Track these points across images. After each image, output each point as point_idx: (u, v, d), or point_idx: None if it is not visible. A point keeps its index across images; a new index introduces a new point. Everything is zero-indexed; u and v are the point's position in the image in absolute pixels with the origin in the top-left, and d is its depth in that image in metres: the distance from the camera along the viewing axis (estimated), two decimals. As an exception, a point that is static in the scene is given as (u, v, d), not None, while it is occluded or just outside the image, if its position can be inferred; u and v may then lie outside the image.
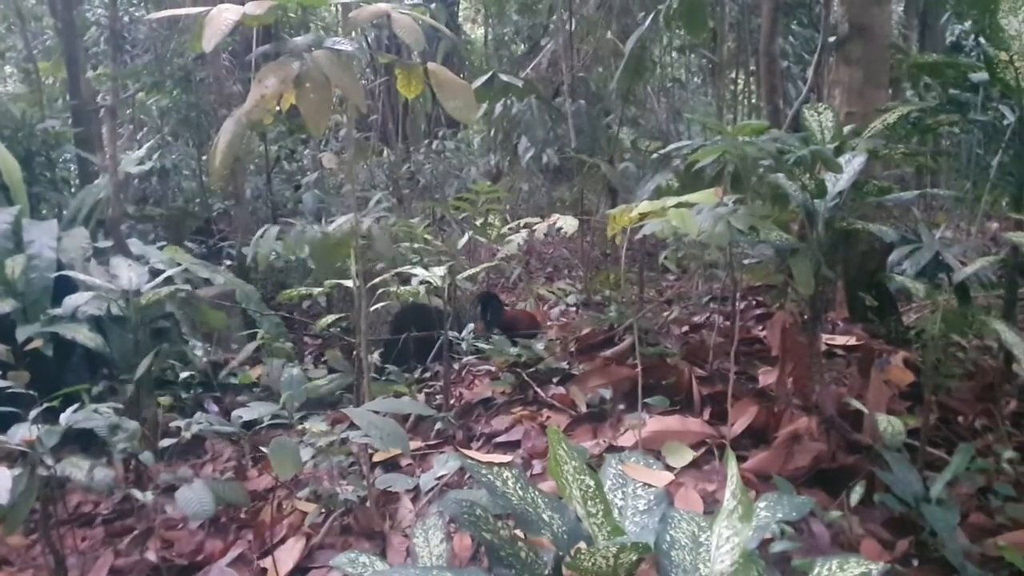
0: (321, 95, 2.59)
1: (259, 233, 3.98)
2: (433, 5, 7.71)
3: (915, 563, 2.49)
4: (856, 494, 2.59)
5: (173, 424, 3.19)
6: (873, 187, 3.37)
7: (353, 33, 3.02)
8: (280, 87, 2.55)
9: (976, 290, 3.93)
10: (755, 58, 7.35)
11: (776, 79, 4.88)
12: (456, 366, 4.32)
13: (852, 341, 3.87)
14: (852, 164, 2.96)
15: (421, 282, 3.78)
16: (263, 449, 3.46)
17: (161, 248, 5.41)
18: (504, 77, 4.89)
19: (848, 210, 3.25)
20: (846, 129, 3.28)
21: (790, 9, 8.11)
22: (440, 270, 3.73)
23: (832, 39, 4.50)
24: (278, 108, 2.67)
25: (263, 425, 3.22)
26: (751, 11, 7.47)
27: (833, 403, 3.04)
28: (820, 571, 1.72)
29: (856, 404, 2.95)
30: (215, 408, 4.14)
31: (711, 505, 2.67)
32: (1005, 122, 3.70)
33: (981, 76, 3.59)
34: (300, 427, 3.04)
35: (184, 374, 4.00)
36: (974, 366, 3.84)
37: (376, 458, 3.33)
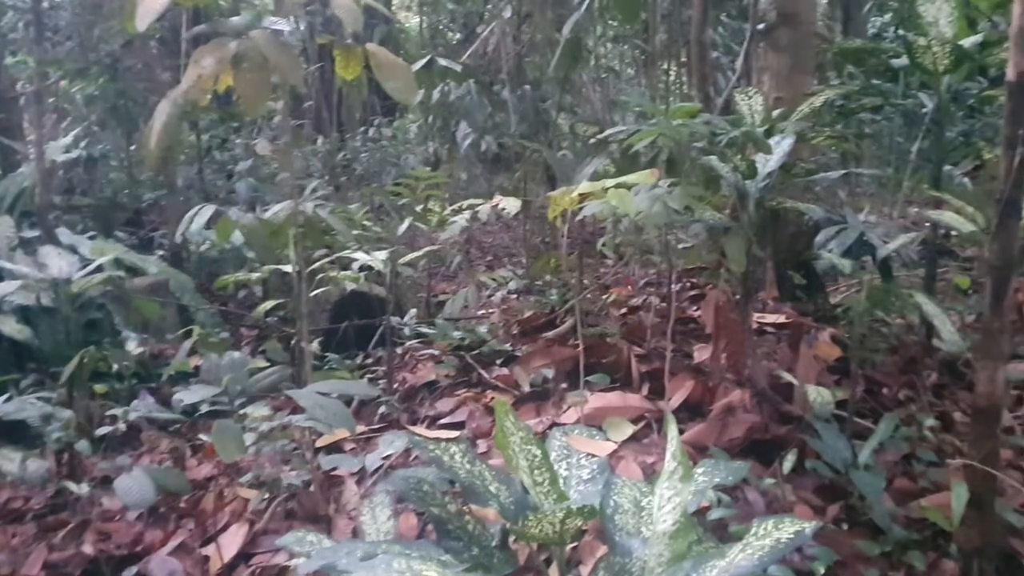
0: (259, 76, 2.58)
1: (191, 212, 3.92)
2: (368, -9, 7.65)
3: (844, 526, 2.61)
4: (788, 462, 2.70)
5: (108, 413, 3.14)
6: (801, 169, 3.49)
7: (290, 19, 3.00)
8: (217, 67, 2.54)
9: (898, 269, 4.09)
10: (686, 48, 7.49)
11: (707, 69, 5.00)
12: (399, 351, 4.33)
13: (782, 319, 4.00)
14: (781, 146, 3.06)
15: (361, 268, 3.78)
16: (203, 437, 3.44)
17: (91, 239, 5.30)
18: (443, 62, 4.91)
19: (777, 191, 3.36)
20: (775, 113, 3.39)
21: (719, 0, 8.27)
22: (381, 256, 3.74)
23: (761, 26, 4.62)
24: (214, 90, 2.66)
25: (202, 413, 3.19)
26: (682, 2, 7.60)
27: (765, 377, 3.16)
28: (756, 531, 1.80)
29: (787, 377, 3.07)
30: (150, 398, 4.08)
31: (650, 476, 2.74)
32: (924, 108, 3.85)
33: (901, 62, 3.74)
34: (241, 413, 3.03)
35: (118, 365, 3.93)
36: (897, 341, 4.00)
37: (319, 443, 3.33)
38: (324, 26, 8.61)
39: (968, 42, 3.37)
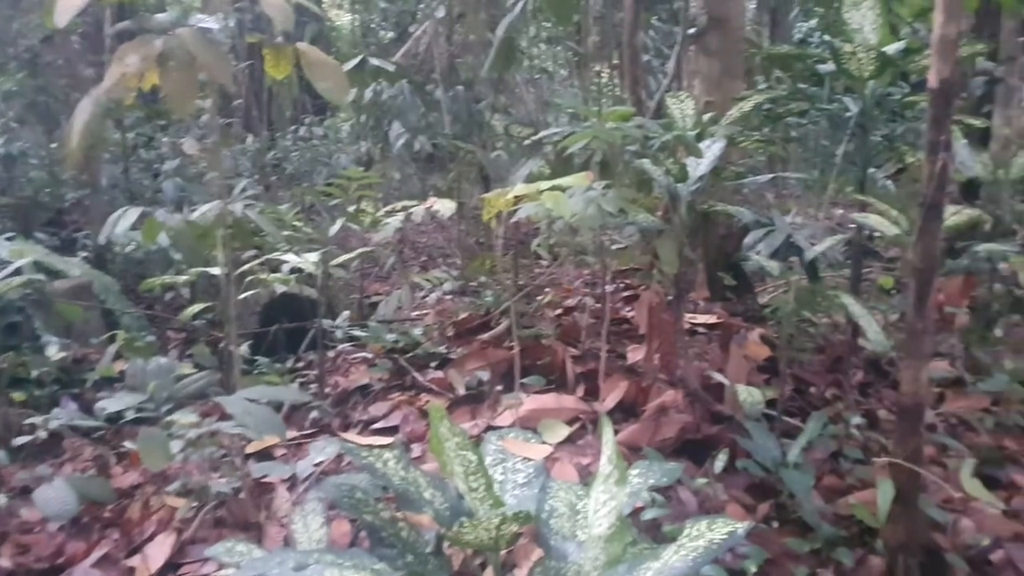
0: (186, 75, 2.51)
1: (116, 213, 3.80)
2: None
3: (775, 524, 2.66)
4: (720, 462, 2.73)
5: (28, 421, 3.03)
6: (731, 172, 3.55)
7: (219, 17, 2.93)
8: (142, 65, 2.46)
9: (824, 269, 4.19)
10: (619, 51, 7.55)
11: (639, 71, 5.04)
12: (331, 354, 4.27)
13: (713, 319, 4.06)
14: (712, 149, 3.11)
15: (292, 270, 3.72)
16: (128, 445, 3.34)
17: (10, 240, 5.10)
18: (375, 61, 4.85)
19: (708, 194, 3.41)
20: (705, 117, 3.44)
21: (651, 3, 8.36)
22: (312, 257, 3.68)
23: (692, 30, 4.68)
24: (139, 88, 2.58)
25: (127, 420, 3.10)
26: (614, 5, 7.66)
27: (697, 377, 3.20)
28: (690, 532, 1.81)
29: (718, 377, 3.11)
30: (73, 405, 3.95)
31: (585, 478, 2.75)
32: (848, 112, 3.95)
33: (827, 68, 3.82)
34: (168, 420, 2.95)
35: (38, 371, 3.80)
36: (824, 340, 4.10)
37: (249, 449, 3.26)
38: (254, 23, 8.46)
39: (891, 49, 3.45)
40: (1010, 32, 6.30)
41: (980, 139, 5.58)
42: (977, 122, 4.01)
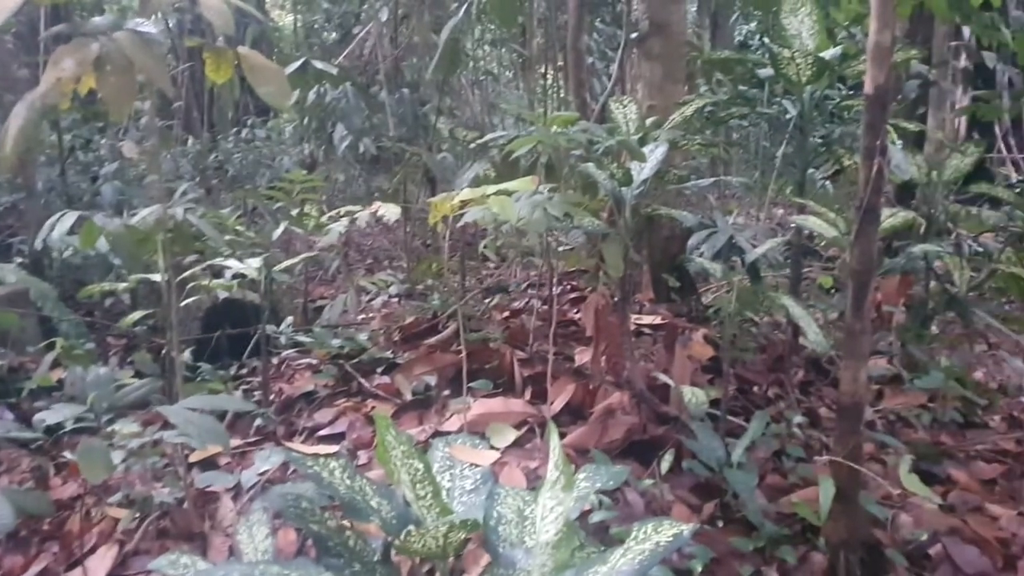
0: (124, 79, 2.45)
1: (53, 218, 3.70)
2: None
3: (720, 524, 2.69)
4: (666, 463, 2.77)
5: (-40, 434, 2.94)
6: (673, 176, 3.59)
7: (154, 16, 2.88)
8: (78, 70, 2.40)
9: (765, 269, 4.26)
10: (563, 53, 7.59)
11: (583, 74, 5.07)
12: (275, 361, 4.22)
13: (658, 320, 4.11)
14: (655, 154, 3.14)
15: (235, 275, 3.67)
16: (67, 455, 3.26)
17: (-61, 246, 4.95)
18: (318, 64, 4.80)
19: (652, 197, 3.44)
20: (648, 121, 3.47)
21: (594, 7, 8.42)
22: (255, 262, 3.63)
23: (634, 35, 4.72)
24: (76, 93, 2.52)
25: (66, 430, 3.03)
26: (558, 7, 7.70)
27: (643, 378, 3.23)
28: (637, 534, 1.83)
29: (663, 378, 3.14)
30: (9, 415, 3.85)
31: (534, 482, 2.76)
32: (788, 116, 4.02)
33: (767, 72, 3.88)
34: (109, 430, 2.89)
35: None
36: (766, 340, 4.17)
37: (193, 458, 3.21)
38: (194, 24, 8.33)
39: (829, 54, 3.53)
40: (942, 37, 6.48)
41: (914, 141, 5.73)
42: (911, 126, 4.12)
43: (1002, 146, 9.65)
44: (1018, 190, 6.41)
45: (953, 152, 3.92)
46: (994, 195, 4.32)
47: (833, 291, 5.52)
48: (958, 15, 4.69)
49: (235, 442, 3.37)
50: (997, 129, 9.59)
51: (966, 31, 6.77)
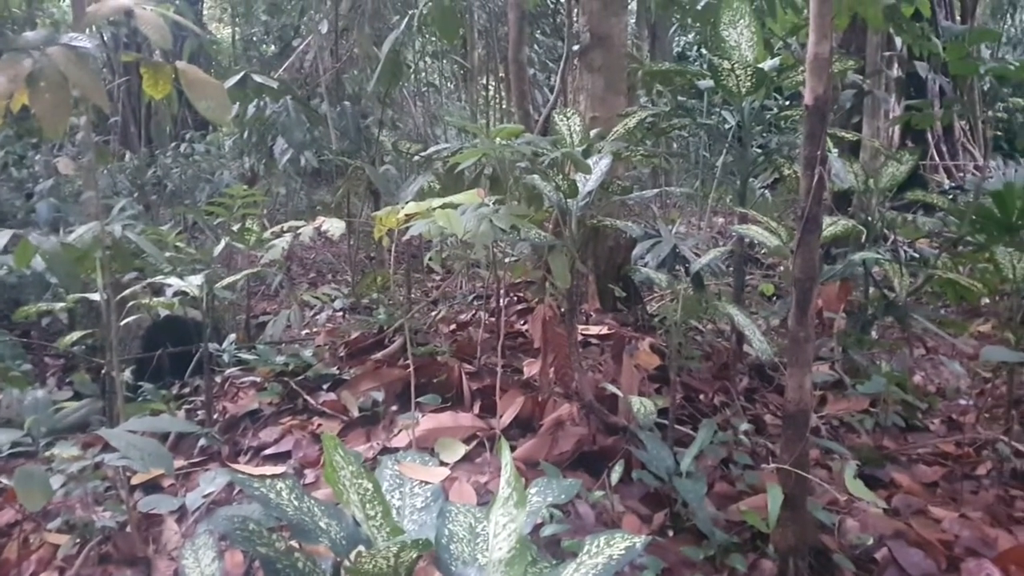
0: (58, 95, 2.39)
1: None
2: (178, 2, 7.31)
3: (670, 533, 2.70)
4: (616, 473, 2.77)
5: None
6: (617, 187, 3.61)
7: (89, 30, 2.81)
8: (10, 86, 2.33)
9: (709, 279, 4.31)
10: (504, 65, 7.62)
11: (525, 85, 5.09)
12: (218, 379, 4.13)
13: (604, 330, 4.12)
14: (600, 165, 3.16)
15: (175, 293, 3.59)
16: (4, 481, 3.15)
17: None
18: (258, 78, 4.74)
19: (596, 208, 3.46)
20: (592, 133, 3.49)
21: (535, 19, 8.47)
22: (196, 279, 3.55)
23: (575, 47, 4.75)
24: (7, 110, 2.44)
25: (3, 455, 2.93)
26: (499, 19, 7.72)
27: (591, 389, 3.23)
28: (589, 548, 1.83)
29: (612, 388, 3.15)
30: (-61, 442, 3.70)
31: (484, 496, 2.75)
32: (727, 126, 4.08)
33: (707, 83, 3.94)
34: (47, 454, 2.80)
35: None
36: (711, 348, 4.21)
37: (135, 480, 3.13)
38: (130, 38, 8.16)
39: (767, 65, 3.59)
40: (876, 47, 6.65)
41: (850, 150, 5.86)
42: (848, 135, 4.21)
43: (934, 153, 9.93)
44: (951, 197, 6.60)
45: (889, 160, 4.02)
46: (928, 202, 4.44)
47: (774, 298, 5.61)
48: (893, 26, 4.82)
49: (179, 463, 3.29)
50: (929, 137, 9.87)
51: (898, 41, 6.96)
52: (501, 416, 3.22)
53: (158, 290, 3.75)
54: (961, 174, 9.73)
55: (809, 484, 2.46)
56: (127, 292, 3.63)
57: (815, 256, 2.35)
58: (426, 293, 5.88)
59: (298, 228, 3.21)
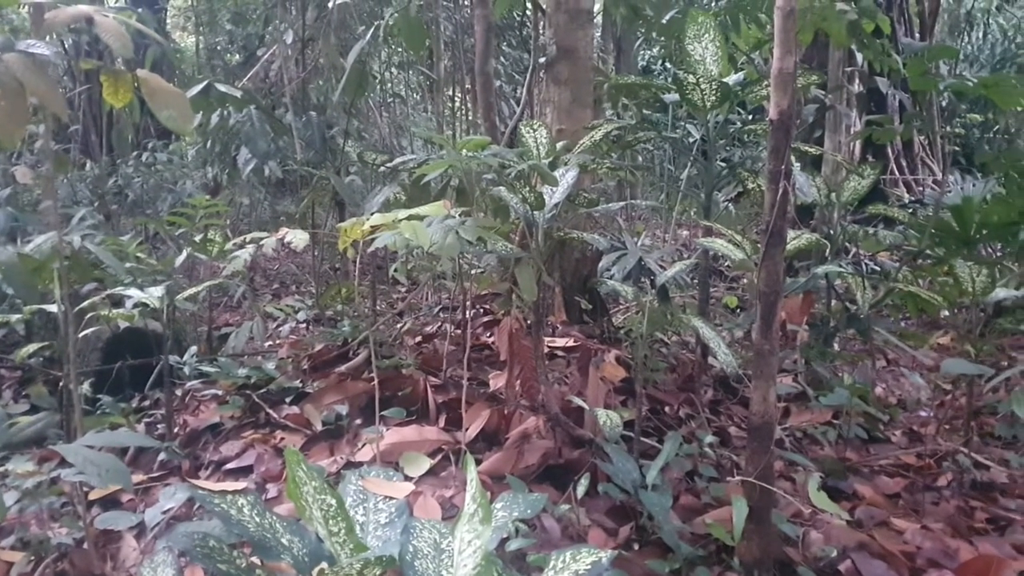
0: (14, 103, 2.34)
1: None
2: (140, 10, 7.22)
3: (636, 546, 2.70)
4: (582, 487, 2.76)
5: None
6: (584, 199, 3.62)
7: (49, 37, 2.75)
8: (-37, 94, 2.28)
9: (674, 291, 4.33)
10: (471, 76, 7.62)
11: (491, 97, 5.09)
12: (179, 392, 4.07)
13: (571, 342, 4.12)
14: (566, 178, 3.16)
15: (135, 304, 3.52)
16: (-46, 499, 3.07)
17: None
18: (221, 87, 4.68)
19: (563, 221, 3.46)
20: (558, 145, 3.50)
21: (501, 31, 8.49)
22: (157, 290, 3.49)
23: (542, 60, 4.76)
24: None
25: (-47, 472, 2.85)
26: (465, 31, 7.73)
27: (557, 402, 3.22)
28: (556, 563, 1.82)
29: (578, 401, 3.14)
30: None
31: (449, 511, 2.72)
32: (692, 139, 4.11)
33: (672, 97, 3.97)
34: (2, 469, 2.74)
35: None
36: (676, 360, 4.23)
37: (93, 496, 3.06)
38: (91, 46, 8.06)
39: (731, 79, 3.62)
40: (837, 63, 6.74)
41: (813, 164, 5.92)
42: (811, 149, 4.26)
43: (895, 168, 10.09)
44: (911, 211, 6.70)
45: (851, 174, 4.07)
46: (889, 215, 4.50)
47: (738, 310, 5.66)
48: (855, 42, 4.90)
49: (138, 478, 3.23)
50: (890, 152, 10.03)
51: (860, 57, 7.06)
52: (467, 429, 3.20)
53: (118, 301, 3.69)
54: (921, 188, 9.90)
55: (774, 496, 2.47)
56: (85, 303, 3.56)
57: (779, 269, 2.37)
58: (392, 305, 5.84)
59: (261, 239, 3.17)
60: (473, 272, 5.86)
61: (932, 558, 2.65)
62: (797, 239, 3.42)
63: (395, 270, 5.36)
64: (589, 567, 1.75)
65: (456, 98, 9.09)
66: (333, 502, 1.82)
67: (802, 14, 4.50)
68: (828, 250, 4.00)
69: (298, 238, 2.95)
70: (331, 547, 1.83)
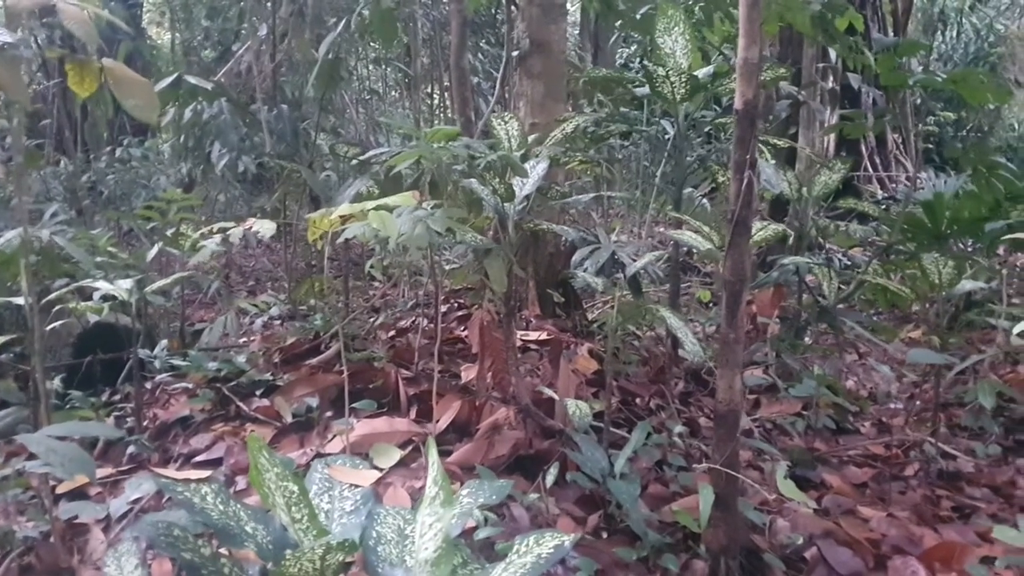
0: (-25, 90, 2.33)
1: None
2: (112, 3, 7.19)
3: (604, 535, 2.71)
4: (551, 476, 2.77)
5: None
6: (556, 192, 3.63)
7: (20, 31, 2.73)
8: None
9: (647, 284, 4.34)
10: (447, 73, 7.62)
11: (467, 92, 5.08)
12: (149, 385, 4.04)
13: (543, 335, 4.13)
14: (536, 170, 3.17)
15: (104, 297, 3.50)
16: (-81, 494, 3.04)
17: None
18: (191, 80, 4.65)
19: (536, 213, 3.47)
20: (530, 138, 3.50)
21: (478, 27, 8.50)
22: (125, 283, 3.47)
23: (515, 53, 4.77)
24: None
25: (-83, 467, 2.83)
26: (443, 28, 7.72)
27: (528, 393, 3.23)
28: (519, 548, 1.82)
29: (548, 392, 3.15)
30: None
31: (419, 501, 2.72)
32: (666, 136, 4.13)
33: (644, 91, 3.98)
34: (-35, 464, 2.72)
35: None
36: (648, 353, 4.25)
37: (60, 489, 3.03)
38: (64, 40, 7.99)
39: (701, 73, 3.64)
40: (811, 59, 6.80)
41: (786, 159, 5.97)
42: (782, 143, 4.29)
43: (867, 164, 10.18)
44: (884, 206, 6.76)
45: (823, 169, 4.10)
46: (861, 210, 4.54)
47: (711, 304, 5.69)
48: (824, 37, 4.93)
49: (107, 471, 3.21)
50: (863, 148, 10.12)
51: (832, 54, 7.12)
52: (437, 421, 3.20)
53: (89, 295, 3.66)
54: (893, 184, 9.99)
55: (741, 485, 2.49)
56: (54, 295, 3.53)
57: (745, 258, 2.39)
58: (366, 301, 5.83)
59: (228, 230, 3.16)
60: (448, 268, 5.86)
61: (897, 545, 2.68)
62: (764, 230, 3.44)
63: (371, 266, 5.35)
64: (552, 551, 1.76)
65: (434, 95, 9.09)
66: (295, 489, 1.82)
67: (767, 4, 4.53)
68: (800, 245, 4.03)
69: (264, 227, 2.94)
70: (295, 534, 1.83)
